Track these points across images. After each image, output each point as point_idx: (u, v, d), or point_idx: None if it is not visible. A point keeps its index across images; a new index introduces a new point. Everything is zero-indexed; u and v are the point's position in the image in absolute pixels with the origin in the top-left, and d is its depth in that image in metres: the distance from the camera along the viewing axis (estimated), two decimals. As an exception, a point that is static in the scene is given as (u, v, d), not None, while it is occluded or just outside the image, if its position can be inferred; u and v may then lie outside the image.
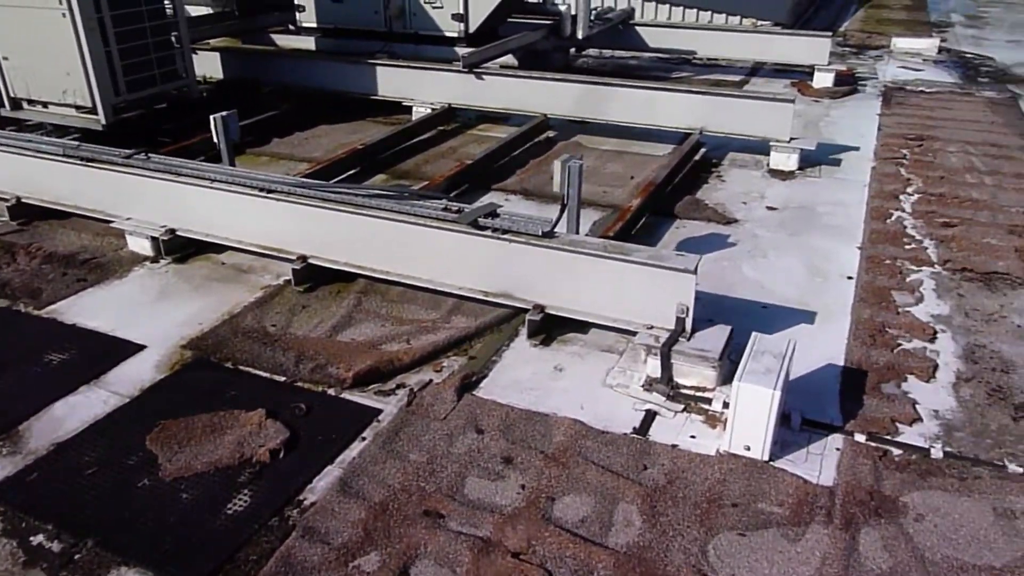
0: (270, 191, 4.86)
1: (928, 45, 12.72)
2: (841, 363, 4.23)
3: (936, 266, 5.35)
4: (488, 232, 4.31)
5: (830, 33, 10.31)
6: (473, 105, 8.34)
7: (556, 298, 4.34)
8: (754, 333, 3.71)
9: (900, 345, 4.40)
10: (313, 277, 4.98)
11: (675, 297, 3.99)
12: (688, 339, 4.00)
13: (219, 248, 5.39)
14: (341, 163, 6.93)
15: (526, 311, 4.41)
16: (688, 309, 3.99)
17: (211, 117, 5.55)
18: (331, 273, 4.97)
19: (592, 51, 12.41)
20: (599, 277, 4.17)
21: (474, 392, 3.98)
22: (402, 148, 7.72)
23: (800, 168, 7.16)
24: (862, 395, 3.95)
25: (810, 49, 10.34)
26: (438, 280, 4.63)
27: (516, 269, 4.36)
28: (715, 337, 4.02)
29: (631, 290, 4.11)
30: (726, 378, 3.97)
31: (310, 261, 4.93)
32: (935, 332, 4.53)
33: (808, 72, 10.53)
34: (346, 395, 3.98)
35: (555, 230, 4.34)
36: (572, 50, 11.86)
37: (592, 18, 10.23)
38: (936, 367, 4.20)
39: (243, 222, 5.08)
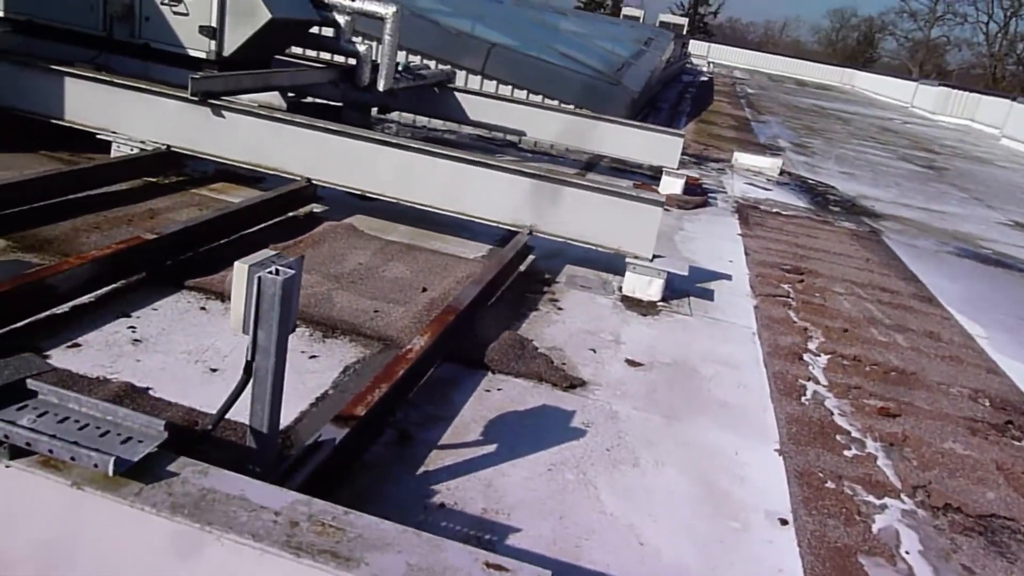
0: None
1: (770, 164, 11.60)
2: None
3: (904, 497, 3.22)
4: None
5: (682, 133, 8.63)
6: (203, 151, 5.57)
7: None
8: None
9: None
10: None
11: None
12: None
13: None
14: (-81, 213, 3.93)
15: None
16: None
17: None
18: None
19: (400, 115, 10.09)
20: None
21: None
22: (64, 201, 4.79)
23: (663, 299, 5.02)
24: None
25: (660, 148, 8.54)
26: None
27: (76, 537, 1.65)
28: None
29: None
30: None
31: None
32: None
33: (652, 175, 8.77)
34: None
35: (211, 433, 1.70)
36: (375, 110, 9.47)
37: (400, 70, 7.90)
38: None
39: None
